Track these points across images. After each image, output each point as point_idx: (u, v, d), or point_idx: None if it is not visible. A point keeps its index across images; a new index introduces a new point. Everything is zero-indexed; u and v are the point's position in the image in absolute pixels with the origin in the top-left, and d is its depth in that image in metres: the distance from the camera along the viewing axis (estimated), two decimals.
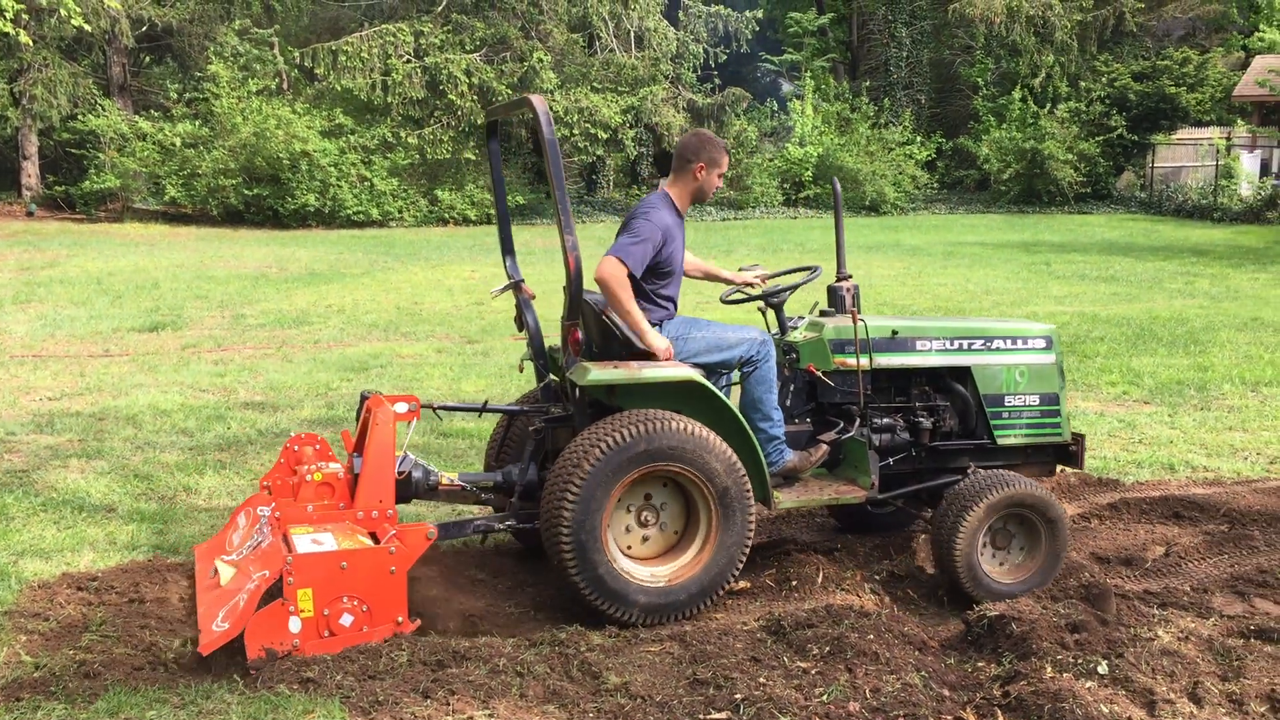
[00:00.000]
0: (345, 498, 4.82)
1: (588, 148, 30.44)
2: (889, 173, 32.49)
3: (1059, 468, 6.13)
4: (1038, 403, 5.76)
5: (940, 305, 15.21)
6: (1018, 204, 32.65)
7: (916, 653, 4.50)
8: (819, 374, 5.39)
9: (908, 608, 5.27)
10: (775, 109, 35.96)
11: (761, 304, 5.69)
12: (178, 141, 27.10)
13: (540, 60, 29.06)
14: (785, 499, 5.20)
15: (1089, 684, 4.06)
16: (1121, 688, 4.07)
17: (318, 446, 5.24)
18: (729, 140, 32.43)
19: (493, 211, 29.43)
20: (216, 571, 4.64)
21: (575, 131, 29.64)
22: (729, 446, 4.84)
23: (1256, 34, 34.62)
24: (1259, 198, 27.72)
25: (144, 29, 28.52)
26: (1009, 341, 5.77)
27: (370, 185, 28.30)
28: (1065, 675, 4.08)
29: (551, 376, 5.34)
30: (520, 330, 5.48)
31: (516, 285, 5.51)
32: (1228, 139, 30.25)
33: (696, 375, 4.87)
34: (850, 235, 26.15)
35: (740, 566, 4.95)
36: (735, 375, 5.32)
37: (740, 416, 5.01)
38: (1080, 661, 4.20)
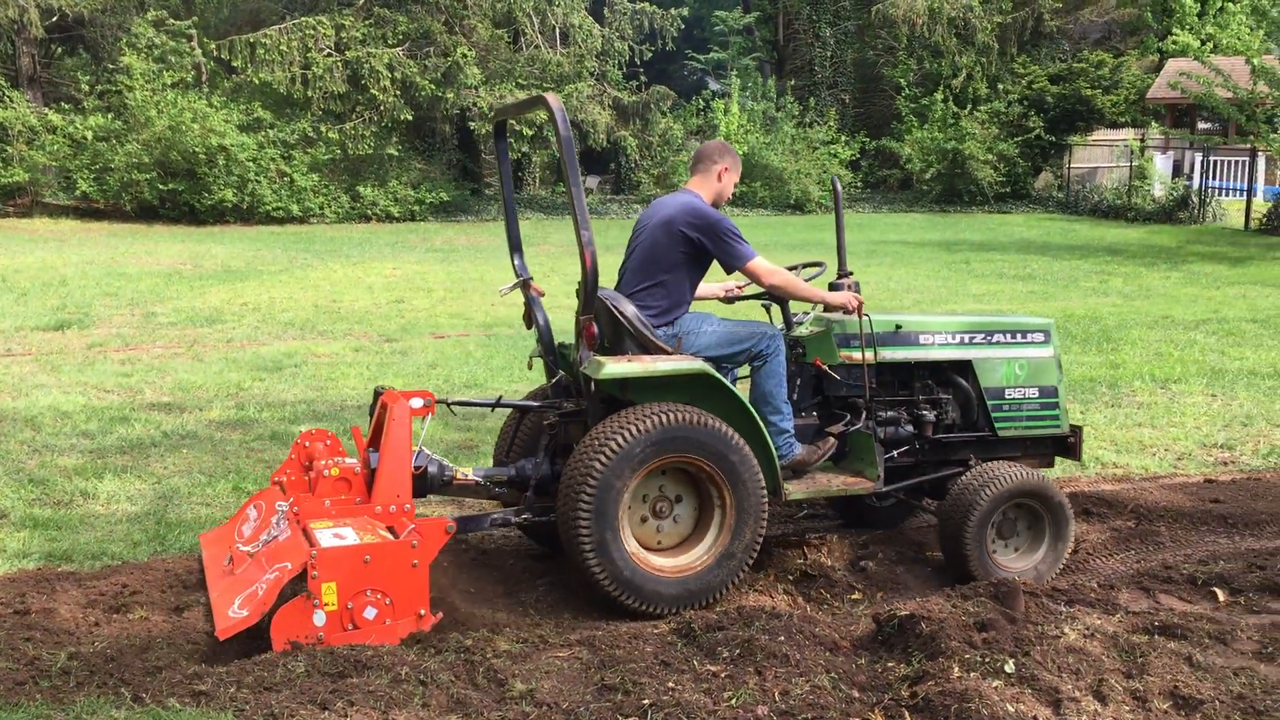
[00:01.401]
0: (362, 492, 4.85)
1: (513, 145, 30.19)
2: (814, 171, 32.71)
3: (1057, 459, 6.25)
4: (1037, 395, 5.89)
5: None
6: (939, 203, 33.06)
7: (827, 654, 4.47)
8: (825, 368, 5.49)
9: (820, 608, 5.26)
10: (701, 107, 35.97)
11: (767, 300, 5.76)
12: (89, 135, 26.32)
13: (464, 56, 28.77)
14: (795, 490, 5.28)
15: (995, 683, 4.05)
16: (1028, 686, 4.07)
17: (328, 442, 5.26)
18: (654, 138, 32.45)
19: (417, 209, 29.16)
20: (231, 560, 4.68)
21: None
22: (742, 438, 4.92)
23: (1170, 37, 35.35)
24: (1171, 198, 28.34)
25: (54, 19, 27.66)
26: (1009, 335, 5.91)
27: (290, 181, 27.78)
28: (972, 675, 4.07)
29: (561, 372, 5.43)
30: (529, 327, 5.55)
31: (525, 283, 5.55)
32: (1141, 141, 30.89)
33: (709, 368, 4.96)
34: (774, 234, 26.31)
35: (754, 556, 5.06)
36: (742, 369, 5.41)
37: (751, 409, 5.07)
38: (988, 660, 4.20)
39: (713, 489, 4.97)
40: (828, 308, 5.40)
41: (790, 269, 5.81)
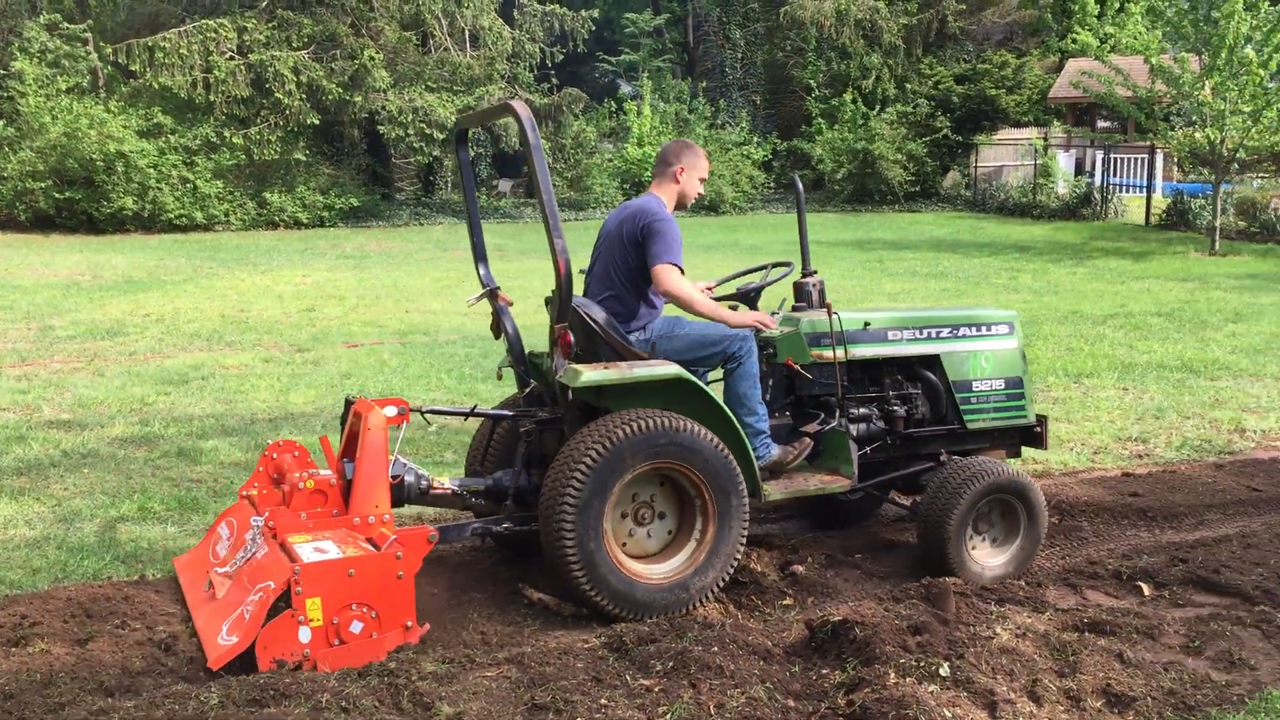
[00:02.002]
0: (338, 504, 4.76)
1: (424, 148, 29.82)
2: (727, 173, 32.82)
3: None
4: (1003, 387, 5.95)
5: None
6: (851, 203, 33.41)
7: (761, 663, 4.39)
8: (797, 368, 5.48)
9: (752, 615, 5.17)
10: (614, 109, 35.90)
11: (735, 301, 5.73)
12: None
13: (372, 59, 28.34)
14: (774, 491, 5.26)
15: (931, 688, 4.01)
16: (963, 689, 4.03)
17: (296, 454, 5.15)
18: (568, 141, 32.28)
19: (326, 214, 28.63)
20: (211, 585, 4.55)
21: (410, 132, 29.01)
22: (722, 442, 4.90)
23: (1070, 36, 36.19)
24: (1074, 195, 28.98)
25: None
26: (974, 329, 5.95)
27: (193, 187, 27.07)
28: (908, 680, 4.02)
29: (534, 381, 5.37)
30: (498, 337, 5.49)
31: (492, 293, 5.49)
32: (1044, 139, 31.56)
33: (685, 373, 4.93)
34: (689, 236, 26.28)
35: (738, 560, 5.04)
36: (714, 372, 5.40)
37: (727, 411, 5.03)
38: (922, 665, 4.15)
39: (694, 494, 4.95)
40: (735, 326, 5.23)
41: (759, 269, 5.99)
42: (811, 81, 35.97)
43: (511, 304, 5.54)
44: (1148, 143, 27.80)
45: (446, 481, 5.15)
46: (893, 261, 20.73)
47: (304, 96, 27.85)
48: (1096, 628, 4.64)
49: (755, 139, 35.09)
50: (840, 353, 5.47)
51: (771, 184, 35.68)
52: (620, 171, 33.20)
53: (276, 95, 27.57)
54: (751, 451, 5.11)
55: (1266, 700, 4.08)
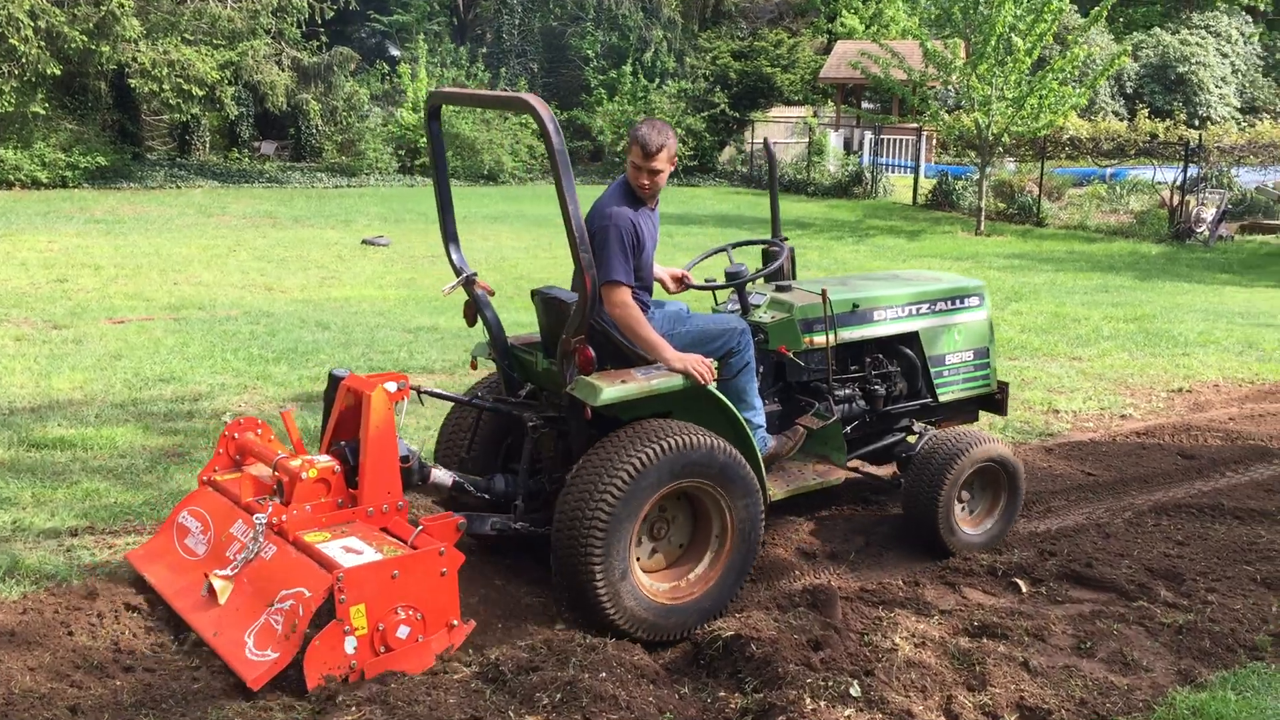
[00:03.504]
0: (342, 493, 4.38)
1: (181, 105, 27.69)
2: (506, 141, 32.08)
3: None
4: (972, 358, 6.03)
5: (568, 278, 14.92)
6: None
7: (652, 686, 4.00)
8: (791, 356, 5.32)
9: None
10: (387, 71, 34.45)
11: (732, 286, 5.50)
12: None
13: (121, 5, 26.01)
14: (777, 490, 5.10)
15: (846, 711, 3.72)
16: (878, 711, 3.77)
17: (259, 431, 4.83)
18: (339, 103, 30.76)
19: (69, 174, 26.23)
20: (211, 589, 4.13)
21: (165, 87, 26.84)
22: (740, 453, 4.68)
23: (839, 19, 37.29)
24: (845, 174, 29.82)
25: None
26: (949, 302, 5.96)
27: None
28: (821, 703, 3.72)
29: (516, 377, 5.07)
30: (472, 325, 5.12)
31: (469, 279, 5.03)
32: (815, 117, 32.35)
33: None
34: (471, 205, 25.55)
35: (751, 568, 4.85)
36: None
37: (738, 416, 4.81)
38: (831, 684, 3.87)
39: (711, 506, 4.69)
40: (673, 368, 4.71)
41: (744, 244, 5.84)
42: (590, 52, 35.60)
43: (493, 293, 5.13)
44: (914, 125, 28.89)
45: (442, 472, 4.75)
46: (681, 236, 20.68)
47: (43, 44, 25.29)
48: (988, 632, 4.48)
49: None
50: (832, 337, 5.36)
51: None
52: (395, 138, 31.92)
53: (11, 41, 24.90)
54: (757, 450, 4.89)
55: (1172, 706, 3.99)
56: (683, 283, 5.63)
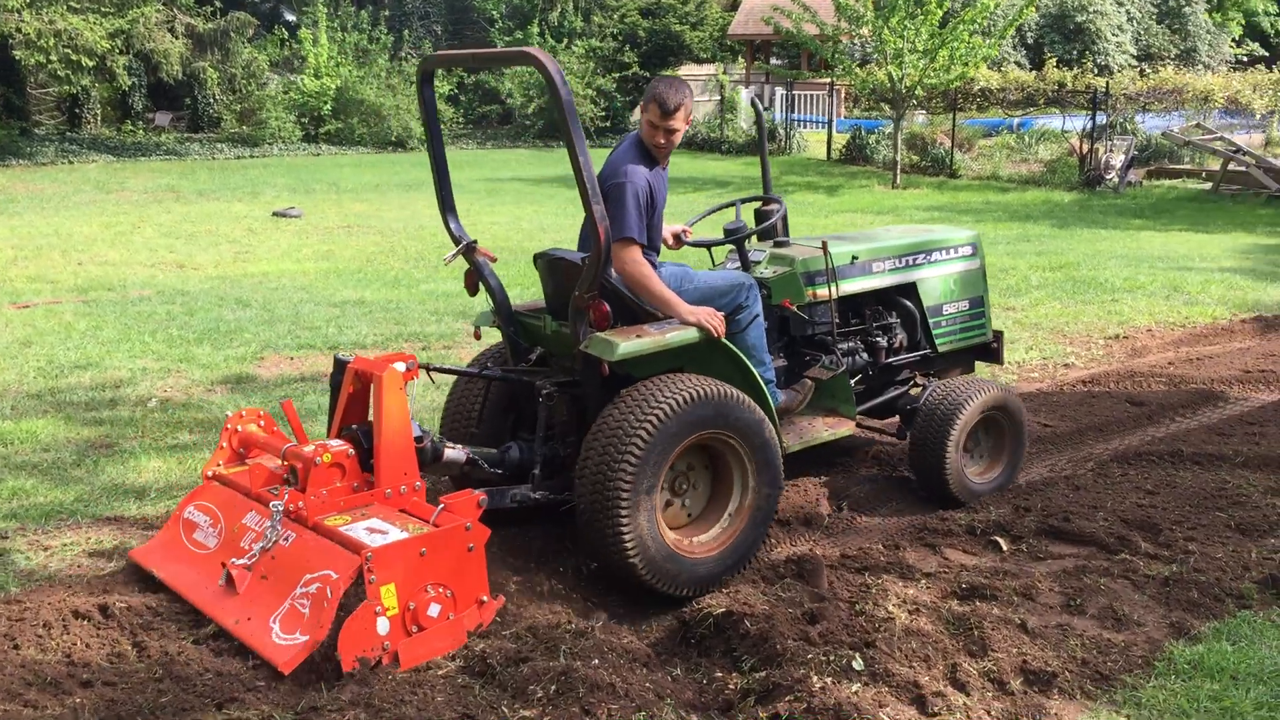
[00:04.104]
0: (357, 477, 4.33)
1: (70, 77, 26.51)
2: (413, 107, 31.37)
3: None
4: (968, 307, 6.05)
5: (505, 245, 14.62)
6: (543, 139, 32.84)
7: (645, 670, 3.84)
8: (794, 309, 5.32)
9: (607, 608, 4.58)
10: (286, 37, 33.40)
11: (731, 243, 5.48)
12: None
13: None
14: (791, 442, 5.07)
15: (854, 686, 3.60)
16: (884, 684, 3.65)
17: (262, 422, 4.79)
18: (237, 70, 29.74)
19: None
20: (230, 579, 4.09)
21: (54, 58, 25.64)
22: (758, 404, 4.68)
23: None
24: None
25: None
26: (944, 252, 5.97)
27: None
28: (827, 680, 3.58)
29: (522, 342, 5.00)
30: (473, 294, 5.06)
31: (470, 247, 4.95)
32: (726, 75, 32.18)
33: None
34: (381, 173, 24.95)
35: (773, 518, 4.85)
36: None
37: (752, 369, 4.80)
38: (833, 659, 3.74)
39: (732, 459, 4.66)
40: (687, 322, 4.66)
41: (739, 201, 5.70)
42: (495, 13, 34.98)
43: (495, 259, 5.05)
44: (826, 80, 28.89)
45: (455, 449, 4.64)
46: None
47: None
48: (978, 593, 4.39)
49: (440, 72, 33.72)
50: (834, 290, 5.37)
51: (460, 119, 34.53)
52: (297, 105, 31.02)
53: None
54: (770, 405, 4.86)
55: (1171, 661, 3.94)
56: (680, 239, 5.57)
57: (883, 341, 5.71)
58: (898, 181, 22.80)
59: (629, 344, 4.42)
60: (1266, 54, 49.30)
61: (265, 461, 4.60)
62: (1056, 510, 5.19)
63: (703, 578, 4.54)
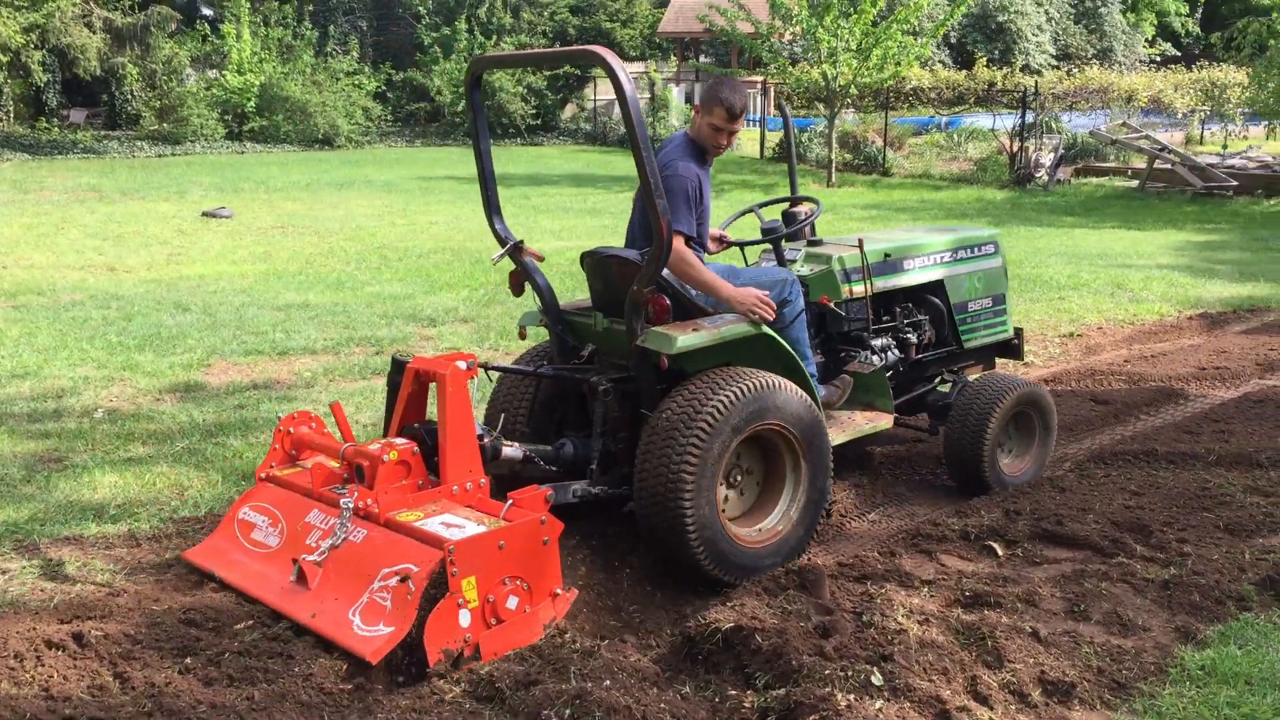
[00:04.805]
0: (423, 474, 4.38)
1: None
2: (340, 104, 30.85)
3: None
4: (991, 305, 6.18)
5: (447, 245, 14.38)
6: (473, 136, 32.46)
7: (656, 690, 3.71)
8: (831, 305, 5.41)
9: (599, 620, 4.44)
10: (208, 33, 32.58)
11: (768, 241, 5.61)
12: None
13: None
14: (835, 435, 5.10)
15: (877, 704, 3.50)
16: (906, 699, 3.56)
17: (313, 424, 4.87)
18: (158, 66, 28.95)
19: None
20: (301, 574, 4.14)
21: None
22: (810, 398, 4.79)
23: None
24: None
25: None
26: (970, 250, 6.10)
27: None
28: (851, 697, 3.49)
29: (573, 342, 5.04)
30: (518, 294, 5.12)
31: (517, 247, 4.99)
32: (657, 72, 32.13)
33: (765, 328, 4.78)
34: (311, 172, 24.44)
35: (825, 512, 4.95)
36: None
37: (799, 362, 4.89)
38: (852, 675, 3.64)
39: (785, 450, 4.73)
40: (733, 305, 4.79)
41: (769, 203, 5.88)
42: (421, 8, 34.49)
43: (542, 259, 5.09)
44: (758, 77, 28.96)
45: (512, 447, 4.69)
46: (538, 198, 20.21)
47: None
48: (982, 601, 4.33)
49: (366, 69, 33.19)
50: (870, 286, 5.50)
51: (389, 116, 34.00)
52: (220, 101, 30.30)
53: None
54: (817, 395, 4.97)
55: (1183, 667, 3.92)
56: (722, 242, 5.64)
57: (913, 338, 5.81)
58: (833, 180, 22.92)
59: (687, 337, 4.50)
60: (1178, 54, 50.63)
61: (325, 462, 4.69)
62: (1047, 514, 5.16)
63: (760, 567, 4.60)
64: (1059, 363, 8.64)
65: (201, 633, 4.01)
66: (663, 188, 4.50)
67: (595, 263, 4.94)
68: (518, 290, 5.09)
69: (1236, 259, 14.06)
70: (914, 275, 5.83)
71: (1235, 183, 20.98)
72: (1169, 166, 21.75)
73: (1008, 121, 25.26)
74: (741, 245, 5.80)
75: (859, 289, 5.50)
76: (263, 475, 4.77)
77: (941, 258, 5.96)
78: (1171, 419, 7.05)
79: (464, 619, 3.83)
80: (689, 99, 33.36)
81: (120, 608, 4.22)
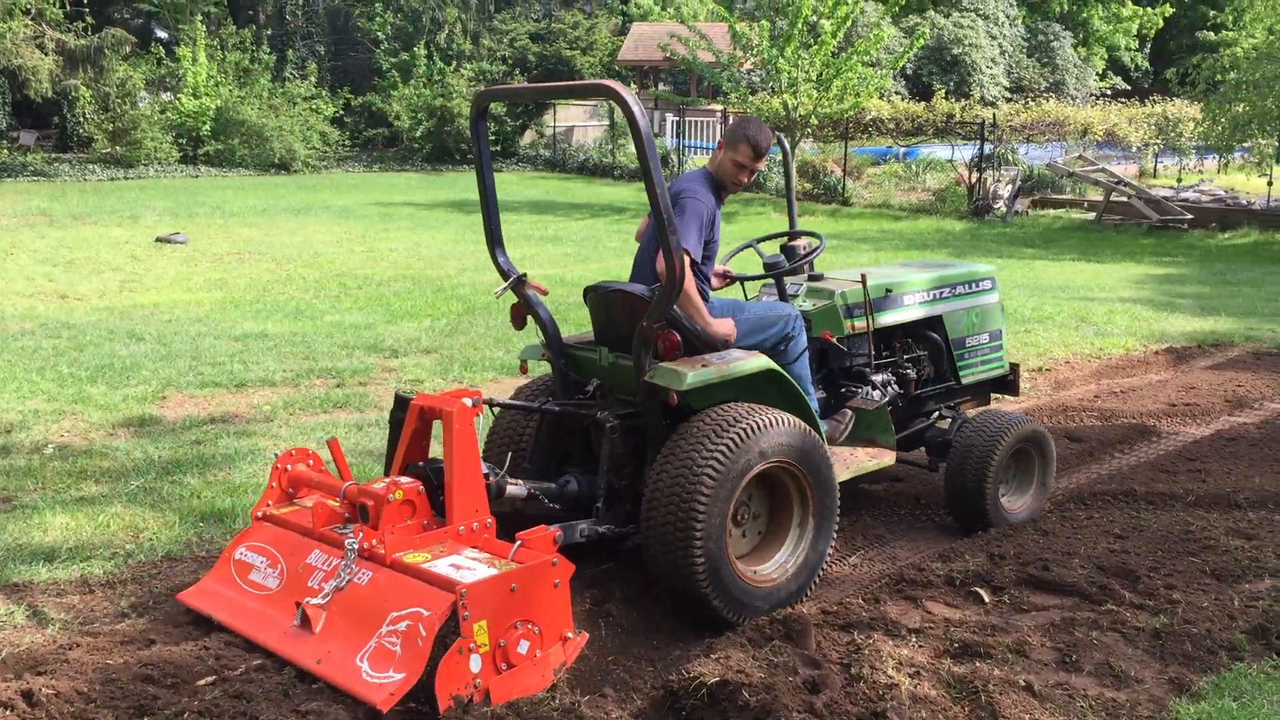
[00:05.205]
0: (427, 514, 4.28)
1: None
2: (297, 129, 30.55)
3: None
4: (987, 340, 6.20)
5: (407, 273, 14.18)
6: (431, 162, 32.31)
7: None
8: (834, 341, 5.40)
9: (575, 671, 4.27)
10: (163, 55, 32.16)
11: (770, 276, 5.59)
12: None
13: None
14: (839, 472, 5.00)
15: None
16: None
17: (311, 462, 4.77)
18: (111, 89, 28.51)
19: None
20: (305, 618, 4.02)
21: None
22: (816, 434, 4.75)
23: (631, 1, 37.13)
24: None
25: None
26: (967, 286, 6.12)
27: None
28: None
29: (573, 375, 4.99)
30: (520, 328, 5.04)
31: (520, 281, 4.92)
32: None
33: (772, 363, 4.75)
34: (267, 197, 24.12)
35: (831, 549, 4.87)
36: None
37: (805, 398, 4.86)
38: None
39: (792, 487, 4.70)
40: (709, 335, 4.76)
41: (768, 238, 5.86)
42: (380, 33, 34.31)
43: (546, 293, 5.02)
44: (717, 106, 29.02)
45: (516, 485, 4.59)
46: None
47: None
48: (971, 652, 4.21)
49: (324, 93, 32.92)
50: (871, 322, 5.50)
51: (347, 141, 33.73)
52: (175, 125, 29.90)
53: None
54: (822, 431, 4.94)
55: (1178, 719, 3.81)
56: (725, 277, 5.60)
57: (912, 373, 5.80)
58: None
59: (697, 373, 4.46)
60: (1128, 87, 51.45)
61: (324, 500, 4.57)
62: (1032, 558, 5.06)
63: (763, 606, 4.54)
64: (1030, 398, 8.59)
65: (159, 690, 3.80)
66: (675, 211, 4.55)
67: (600, 297, 4.88)
68: (519, 324, 5.01)
69: (1196, 293, 14.17)
70: (914, 310, 5.82)
71: (1190, 216, 21.25)
72: (1125, 199, 21.99)
73: (966, 152, 25.43)
74: (743, 280, 5.75)
75: (861, 324, 5.48)
76: (259, 514, 4.65)
77: (940, 293, 5.97)
78: (1146, 457, 7.00)
79: (474, 664, 3.72)
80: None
81: (73, 662, 4.00)
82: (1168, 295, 13.87)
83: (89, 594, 4.79)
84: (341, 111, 33.36)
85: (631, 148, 30.89)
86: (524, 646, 3.87)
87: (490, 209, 5.02)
